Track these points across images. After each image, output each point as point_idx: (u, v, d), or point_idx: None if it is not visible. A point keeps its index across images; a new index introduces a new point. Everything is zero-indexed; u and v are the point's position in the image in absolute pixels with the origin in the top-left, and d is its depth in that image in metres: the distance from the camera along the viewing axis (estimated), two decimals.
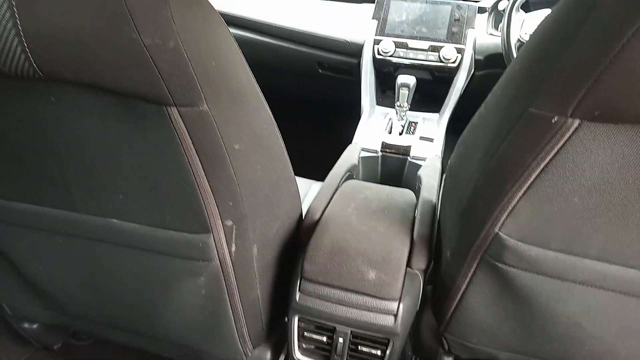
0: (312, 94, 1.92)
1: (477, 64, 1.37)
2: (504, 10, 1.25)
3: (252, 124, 0.60)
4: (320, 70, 1.59)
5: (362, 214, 0.78)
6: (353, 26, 1.46)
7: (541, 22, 0.52)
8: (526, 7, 1.21)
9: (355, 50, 1.45)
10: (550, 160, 0.50)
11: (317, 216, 0.78)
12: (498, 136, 0.55)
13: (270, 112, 0.65)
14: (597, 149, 0.48)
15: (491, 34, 1.37)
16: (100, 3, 0.43)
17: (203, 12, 0.50)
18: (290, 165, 0.73)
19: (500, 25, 1.35)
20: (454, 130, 1.37)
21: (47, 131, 0.57)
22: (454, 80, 1.35)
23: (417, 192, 0.98)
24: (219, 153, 0.55)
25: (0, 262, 0.76)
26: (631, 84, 0.40)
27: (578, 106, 0.44)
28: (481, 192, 0.59)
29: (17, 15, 0.43)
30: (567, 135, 0.47)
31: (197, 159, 0.54)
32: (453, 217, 0.69)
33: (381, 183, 1.26)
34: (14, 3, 0.42)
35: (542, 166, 0.51)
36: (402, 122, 1.29)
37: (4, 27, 0.44)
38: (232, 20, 1.59)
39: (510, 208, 0.56)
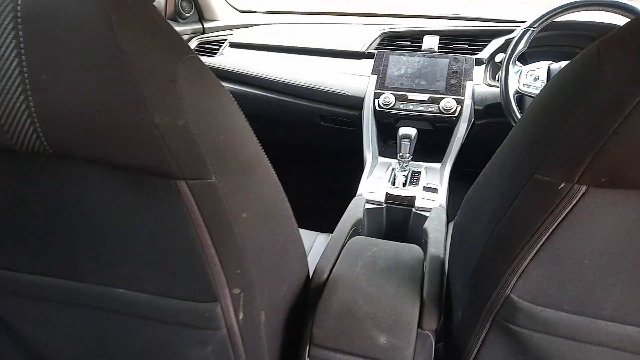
0: (315, 145, 1.95)
1: (477, 113, 1.39)
2: (501, 62, 1.29)
3: (260, 192, 0.61)
4: (322, 123, 1.62)
5: (370, 273, 0.78)
6: (354, 80, 1.50)
7: (541, 92, 0.53)
8: (523, 60, 1.25)
9: (355, 103, 1.48)
10: (559, 224, 0.50)
11: (324, 276, 0.77)
12: (505, 200, 0.56)
13: (277, 178, 0.66)
14: (605, 213, 0.48)
15: (489, 84, 1.40)
16: (112, 85, 0.44)
17: (211, 89, 0.51)
18: (296, 226, 0.73)
19: (498, 75, 1.39)
20: (456, 177, 1.38)
21: (54, 204, 0.57)
22: (455, 130, 1.37)
23: (423, 246, 0.97)
24: (226, 223, 0.55)
25: (6, 333, 0.75)
26: (634, 154, 0.41)
27: (584, 174, 0.45)
28: (491, 254, 0.59)
29: (29, 92, 0.44)
30: (575, 200, 0.47)
31: (205, 229, 0.54)
32: (463, 277, 0.68)
33: (386, 234, 1.26)
34: (27, 79, 0.44)
35: (550, 230, 0.51)
36: (405, 173, 1.30)
37: (15, 102, 0.45)
38: (240, 78, 1.64)
39: (520, 271, 0.55)
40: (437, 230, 1.00)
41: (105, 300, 0.65)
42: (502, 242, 0.57)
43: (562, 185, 0.47)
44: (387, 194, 1.23)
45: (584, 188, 0.46)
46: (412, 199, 1.21)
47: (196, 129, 0.48)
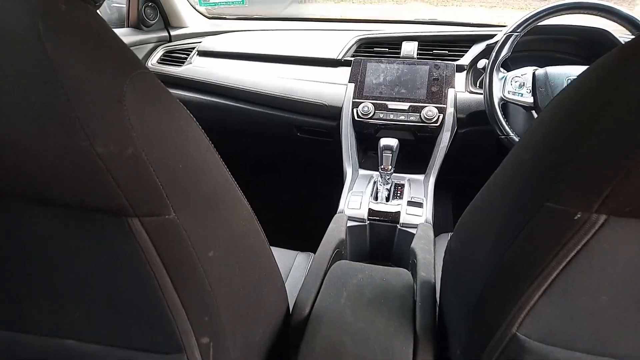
0: (292, 157, 1.87)
1: (460, 122, 1.34)
2: (483, 69, 1.24)
3: (228, 226, 0.53)
4: (298, 134, 1.55)
5: (356, 305, 0.70)
6: (330, 89, 1.43)
7: (550, 107, 0.47)
8: (505, 66, 1.20)
9: (333, 113, 1.41)
10: (574, 257, 0.43)
11: (306, 311, 0.69)
12: (511, 229, 0.49)
13: (248, 205, 0.58)
14: (627, 244, 0.42)
15: (471, 91, 1.35)
16: (44, 108, 0.36)
17: (166, 110, 0.43)
18: (272, 257, 0.65)
19: (481, 82, 1.34)
20: (440, 187, 1.32)
21: None
22: (437, 140, 1.32)
23: (412, 268, 0.90)
24: (190, 264, 0.47)
25: None
26: None
27: (605, 202, 0.39)
28: (494, 289, 0.52)
29: None
30: (592, 231, 0.41)
31: (164, 272, 0.46)
32: (461, 311, 0.61)
33: (371, 253, 1.19)
34: None
35: (563, 264, 0.44)
36: (388, 186, 1.24)
37: None
38: (210, 89, 1.55)
39: (528, 307, 0.49)
40: (425, 250, 0.93)
41: (53, 354, 0.56)
42: (508, 275, 0.50)
43: (578, 216, 0.41)
44: (370, 209, 1.16)
45: (603, 218, 0.40)
46: (396, 214, 1.14)
47: (149, 157, 0.40)
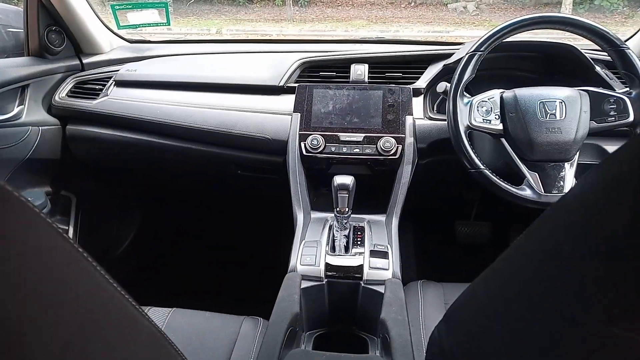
0: (233, 199, 1.66)
1: (420, 152, 1.19)
2: (444, 92, 1.10)
3: None
4: (239, 172, 1.34)
5: None
6: (273, 120, 1.24)
7: (577, 194, 0.31)
8: (469, 91, 1.07)
9: (278, 148, 1.23)
10: None
11: None
12: (546, 355, 0.32)
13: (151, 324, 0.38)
14: None
15: (431, 117, 1.21)
16: None
17: None
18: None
19: (442, 107, 1.21)
20: (404, 227, 1.16)
21: None
22: (398, 174, 1.16)
23: (384, 346, 0.72)
24: None
25: None
26: None
27: None
28: None
29: None
30: None
31: None
32: None
33: (331, 318, 1.00)
34: None
35: None
36: (346, 232, 1.06)
37: None
38: (130, 124, 1.32)
39: None
40: (399, 323, 0.76)
41: None
42: None
43: None
44: (327, 264, 0.97)
45: None
46: (358, 269, 0.96)
47: None
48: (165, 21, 1.57)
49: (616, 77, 1.17)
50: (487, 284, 0.43)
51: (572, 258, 0.32)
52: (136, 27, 1.56)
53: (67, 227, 1.48)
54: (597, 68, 1.16)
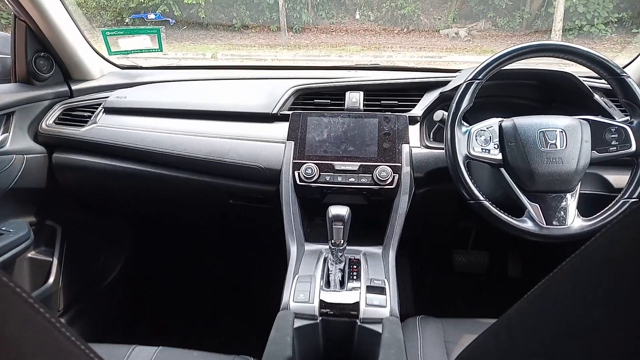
0: (225, 230, 1.62)
1: (417, 181, 1.16)
2: (441, 121, 1.07)
3: None
4: (231, 201, 1.30)
5: None
6: (266, 149, 1.21)
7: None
8: (467, 119, 1.04)
9: (271, 177, 1.19)
10: None
11: None
12: None
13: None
14: None
15: (428, 146, 1.18)
16: None
17: None
18: None
19: (439, 135, 1.18)
20: (401, 256, 1.12)
21: None
22: (394, 205, 1.12)
23: None
24: None
25: None
26: None
27: None
28: None
29: None
30: None
31: None
32: None
33: (325, 357, 0.95)
34: None
35: None
36: (341, 266, 1.01)
37: None
38: (118, 152, 1.29)
39: None
40: None
41: None
42: None
43: None
44: (321, 301, 0.93)
45: None
46: (354, 306, 0.91)
47: None
48: (158, 47, 1.55)
49: (615, 105, 1.15)
50: (511, 329, 0.38)
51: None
52: (128, 53, 1.54)
53: (51, 259, 1.42)
54: (596, 96, 1.14)
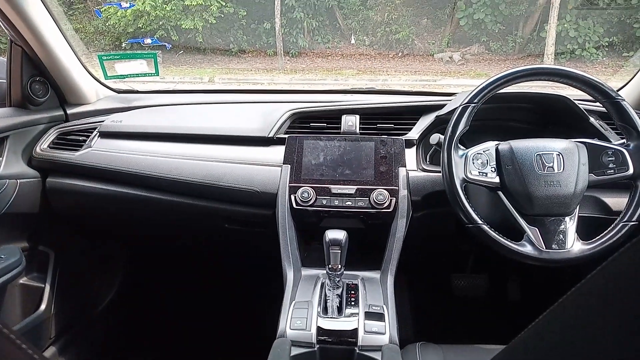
0: (220, 254, 1.59)
1: (414, 205, 1.15)
2: (437, 144, 1.07)
3: None
4: (226, 225, 1.29)
5: None
6: (262, 172, 1.20)
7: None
8: (463, 143, 1.04)
9: (267, 201, 1.18)
10: None
11: None
12: None
13: None
14: None
15: (425, 169, 1.17)
16: None
17: None
18: None
19: (434, 158, 1.18)
20: (399, 281, 1.10)
21: None
22: (392, 228, 1.11)
23: None
24: None
25: None
26: None
27: None
28: None
29: None
30: None
31: None
32: None
33: None
34: None
35: None
36: (339, 291, 0.99)
37: None
38: (113, 176, 1.28)
39: None
40: None
41: None
42: None
43: None
44: (319, 328, 0.91)
45: None
46: (353, 333, 0.89)
47: None
48: (154, 71, 1.55)
49: (610, 127, 1.16)
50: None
51: None
52: (124, 77, 1.54)
53: (43, 285, 1.39)
54: (592, 119, 1.14)
